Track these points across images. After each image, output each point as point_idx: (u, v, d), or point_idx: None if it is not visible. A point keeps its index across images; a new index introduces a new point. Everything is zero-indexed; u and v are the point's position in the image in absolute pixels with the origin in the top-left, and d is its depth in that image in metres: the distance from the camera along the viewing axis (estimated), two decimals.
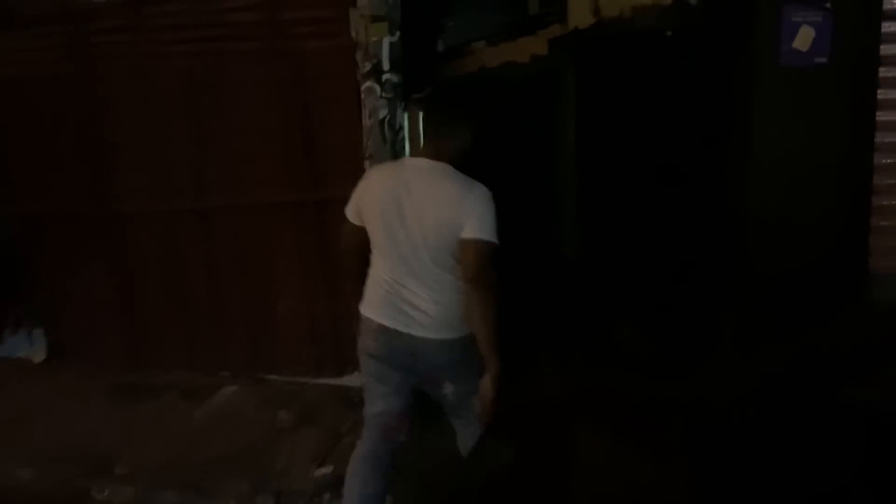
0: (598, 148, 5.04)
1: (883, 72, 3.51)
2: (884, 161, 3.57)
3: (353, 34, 3.79)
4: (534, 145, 5.81)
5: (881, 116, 3.53)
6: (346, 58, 3.85)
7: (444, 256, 2.47)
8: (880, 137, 3.55)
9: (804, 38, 3.53)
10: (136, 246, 4.58)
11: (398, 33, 3.49)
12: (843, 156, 3.61)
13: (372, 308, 2.61)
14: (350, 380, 4.34)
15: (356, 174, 3.97)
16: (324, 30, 3.96)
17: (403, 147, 3.66)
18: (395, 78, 3.53)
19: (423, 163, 2.55)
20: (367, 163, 3.65)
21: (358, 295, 2.68)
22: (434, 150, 2.55)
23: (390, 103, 3.53)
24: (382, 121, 3.54)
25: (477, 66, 7.19)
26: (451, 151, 2.54)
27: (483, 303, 2.42)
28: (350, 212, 2.66)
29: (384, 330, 2.56)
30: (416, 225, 2.46)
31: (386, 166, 2.70)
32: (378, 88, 3.51)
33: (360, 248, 2.64)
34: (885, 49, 3.49)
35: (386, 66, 3.50)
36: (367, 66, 3.53)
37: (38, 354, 4.91)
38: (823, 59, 3.54)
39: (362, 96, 3.63)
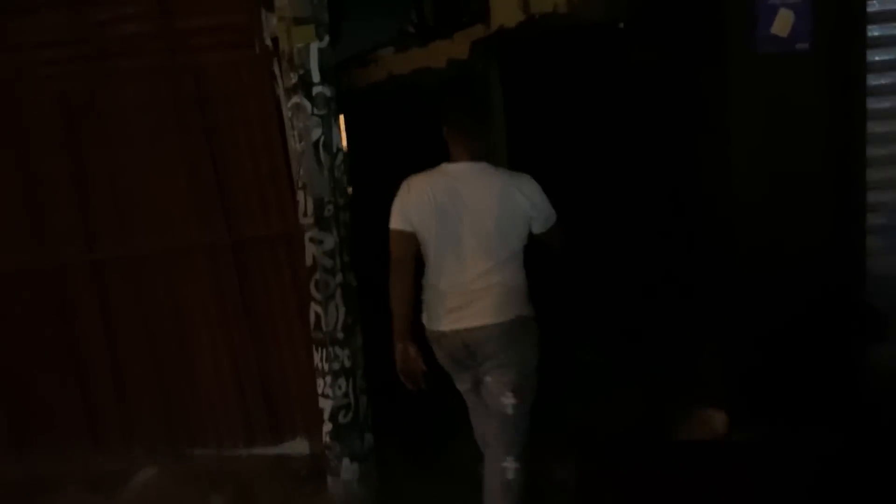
0: (542, 159, 4.58)
1: (871, 55, 3.19)
2: (879, 153, 3.26)
3: (268, 41, 3.23)
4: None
5: (873, 104, 3.22)
6: (261, 70, 3.31)
7: (513, 242, 2.73)
8: (873, 127, 3.24)
9: (783, 23, 3.19)
10: (15, 310, 3.79)
11: (327, 37, 2.91)
12: (832, 150, 3.28)
13: (432, 320, 2.78)
14: (291, 447, 3.74)
15: (283, 207, 3.44)
16: (230, 39, 3.42)
17: (343, 172, 3.06)
18: (327, 91, 2.93)
19: (466, 165, 2.73)
20: (299, 193, 3.05)
21: (405, 311, 2.72)
22: (469, 151, 2.73)
23: (324, 121, 2.93)
24: (317, 142, 2.94)
25: (384, 75, 6.69)
26: (484, 150, 2.77)
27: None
28: (398, 220, 2.73)
29: (442, 335, 2.76)
30: (482, 221, 2.66)
31: (425, 174, 2.76)
32: (308, 105, 2.91)
33: (411, 257, 2.73)
34: (873, 30, 3.18)
35: (316, 77, 2.91)
36: (293, 79, 2.93)
37: None
38: (805, 45, 3.20)
39: (288, 115, 3.04)
